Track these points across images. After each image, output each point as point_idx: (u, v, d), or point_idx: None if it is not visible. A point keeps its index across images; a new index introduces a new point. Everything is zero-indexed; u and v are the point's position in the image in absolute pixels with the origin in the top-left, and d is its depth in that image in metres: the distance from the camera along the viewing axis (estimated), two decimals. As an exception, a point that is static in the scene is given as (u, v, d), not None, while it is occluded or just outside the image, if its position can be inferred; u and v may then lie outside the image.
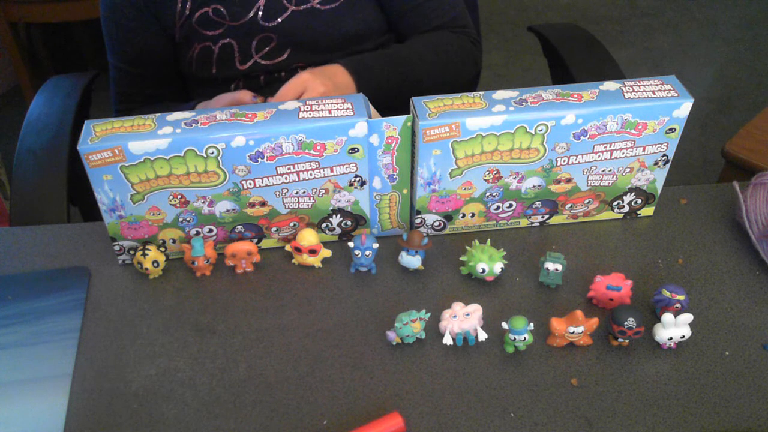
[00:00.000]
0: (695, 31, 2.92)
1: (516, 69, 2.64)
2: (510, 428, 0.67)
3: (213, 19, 0.99)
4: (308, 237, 0.82)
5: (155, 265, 0.81)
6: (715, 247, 0.86)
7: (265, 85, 1.05)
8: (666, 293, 0.75)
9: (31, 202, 0.99)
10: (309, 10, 1.00)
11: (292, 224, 0.84)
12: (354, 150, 0.77)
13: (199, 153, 0.74)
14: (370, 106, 0.80)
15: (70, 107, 1.12)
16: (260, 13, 0.99)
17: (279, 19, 1.00)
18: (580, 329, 0.72)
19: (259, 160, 0.76)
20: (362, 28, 1.04)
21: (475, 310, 0.74)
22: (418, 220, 0.86)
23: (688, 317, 0.71)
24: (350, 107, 0.76)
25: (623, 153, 0.82)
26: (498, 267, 0.79)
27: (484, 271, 0.79)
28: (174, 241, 0.84)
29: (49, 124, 1.09)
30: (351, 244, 0.81)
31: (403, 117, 0.76)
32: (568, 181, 0.84)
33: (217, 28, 1.00)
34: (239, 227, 0.84)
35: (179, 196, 0.79)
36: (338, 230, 0.86)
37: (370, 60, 0.98)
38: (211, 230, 0.83)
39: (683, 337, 0.73)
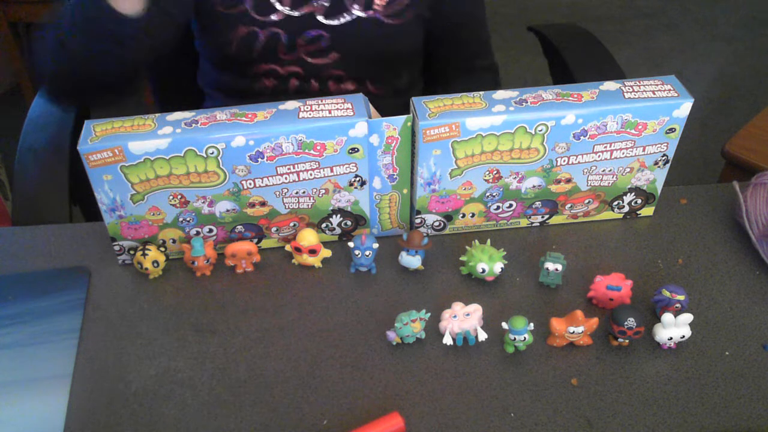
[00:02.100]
0: (695, 31, 2.92)
1: (516, 69, 2.64)
2: (510, 428, 0.67)
3: (271, 5, 0.94)
4: (308, 237, 0.82)
5: (155, 265, 0.81)
6: (715, 247, 0.86)
7: (295, 93, 1.00)
8: (666, 293, 0.75)
9: (33, 201, 0.99)
10: (372, 19, 0.96)
11: (292, 224, 0.84)
12: (354, 150, 0.77)
13: (199, 153, 0.74)
14: (370, 106, 0.80)
15: (71, 106, 1.12)
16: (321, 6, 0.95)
17: (339, 20, 0.96)
18: (580, 329, 0.72)
19: (259, 160, 0.76)
20: (409, 52, 1.04)
21: (475, 310, 0.74)
22: (418, 220, 0.86)
23: (688, 317, 0.71)
24: (350, 107, 0.76)
25: (623, 153, 0.82)
26: (498, 267, 0.79)
27: (484, 271, 0.79)
28: (174, 241, 0.84)
29: (51, 123, 1.08)
30: (351, 244, 0.81)
31: (403, 117, 0.76)
32: (568, 181, 0.84)
33: (270, 15, 0.94)
34: (239, 227, 0.83)
35: (179, 196, 0.79)
36: (338, 230, 0.86)
37: None
38: (211, 230, 0.83)
39: (683, 337, 0.73)
